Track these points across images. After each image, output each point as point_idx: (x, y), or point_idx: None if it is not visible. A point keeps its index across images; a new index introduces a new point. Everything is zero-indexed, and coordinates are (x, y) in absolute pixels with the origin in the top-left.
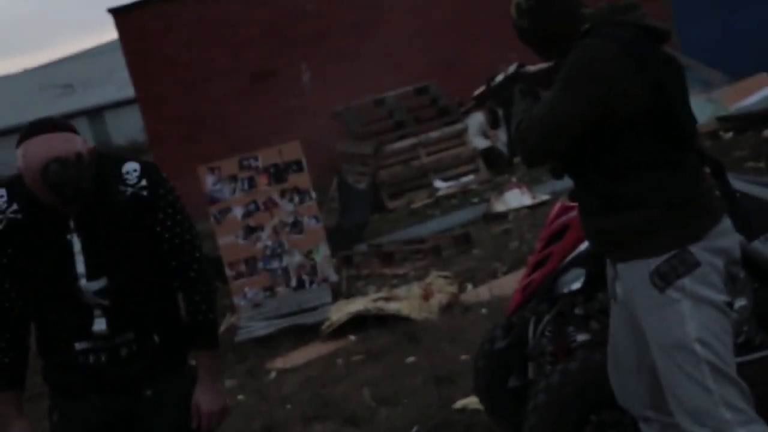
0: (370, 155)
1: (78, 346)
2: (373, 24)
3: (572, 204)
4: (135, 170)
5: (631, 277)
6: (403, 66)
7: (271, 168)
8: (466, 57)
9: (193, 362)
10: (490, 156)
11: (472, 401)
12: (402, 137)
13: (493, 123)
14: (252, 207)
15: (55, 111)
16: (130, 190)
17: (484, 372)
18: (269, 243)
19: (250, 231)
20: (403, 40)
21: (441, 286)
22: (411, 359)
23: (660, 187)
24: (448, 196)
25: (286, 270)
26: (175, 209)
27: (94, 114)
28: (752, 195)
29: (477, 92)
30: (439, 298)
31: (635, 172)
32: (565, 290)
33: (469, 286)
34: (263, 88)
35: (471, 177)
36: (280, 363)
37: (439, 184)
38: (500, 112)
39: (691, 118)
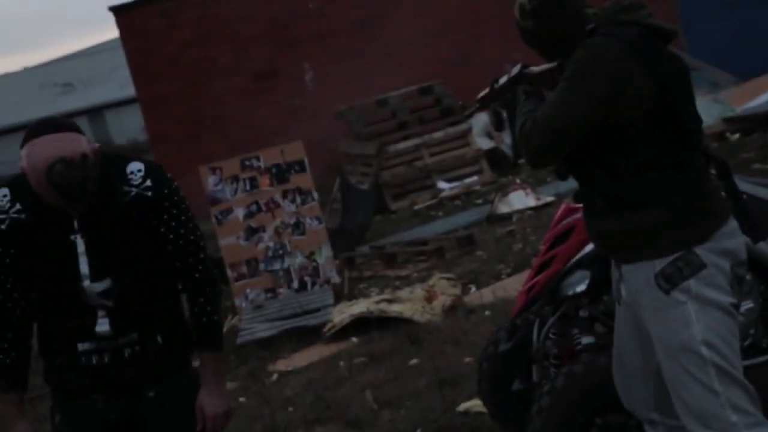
0: (373, 156)
1: (81, 346)
2: (377, 23)
3: (577, 205)
4: (139, 170)
5: (636, 279)
6: (406, 66)
7: (273, 168)
8: (471, 56)
9: (195, 364)
10: (494, 157)
11: (475, 404)
12: (405, 138)
13: (498, 125)
14: (254, 208)
15: (55, 110)
16: (134, 190)
17: (487, 375)
18: (271, 244)
19: (252, 232)
20: (407, 39)
21: (444, 287)
22: (414, 362)
23: (665, 187)
24: (452, 197)
25: (288, 271)
26: (180, 210)
27: (95, 113)
28: (758, 196)
29: (481, 94)
30: (442, 300)
31: (640, 173)
32: (570, 292)
33: (473, 288)
34: (265, 87)
35: (475, 178)
36: (282, 365)
37: (442, 185)
38: (504, 114)
39: (696, 118)
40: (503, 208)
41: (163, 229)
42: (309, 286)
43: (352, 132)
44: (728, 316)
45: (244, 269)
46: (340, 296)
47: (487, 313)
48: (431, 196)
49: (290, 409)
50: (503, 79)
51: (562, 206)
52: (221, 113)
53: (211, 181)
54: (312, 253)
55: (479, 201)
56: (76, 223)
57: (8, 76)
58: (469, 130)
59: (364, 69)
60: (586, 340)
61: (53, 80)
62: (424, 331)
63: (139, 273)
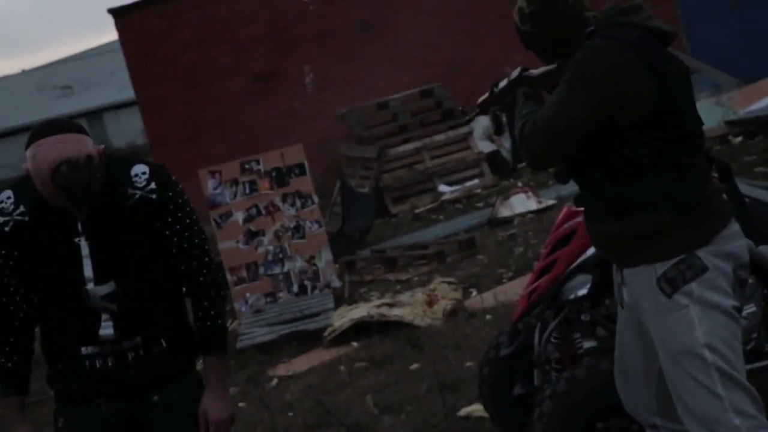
0: (374, 159)
1: (84, 350)
2: (377, 25)
3: (578, 209)
4: (144, 173)
5: (638, 283)
6: (407, 68)
7: (273, 171)
8: (472, 59)
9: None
10: (495, 160)
11: (476, 409)
12: (406, 141)
13: (497, 129)
14: (253, 211)
15: (53, 112)
16: (138, 192)
17: (489, 379)
18: (271, 248)
19: (252, 236)
20: (407, 41)
21: (445, 291)
22: (415, 366)
23: (667, 190)
24: (453, 201)
25: (287, 275)
26: (185, 213)
27: (93, 116)
28: (760, 199)
29: (481, 99)
30: (443, 304)
31: (642, 176)
32: (572, 296)
33: (474, 292)
34: (265, 90)
35: (476, 181)
36: (282, 370)
37: (443, 188)
38: (504, 118)
39: (697, 121)
40: (504, 212)
41: (167, 232)
42: (309, 290)
43: (352, 135)
44: (731, 320)
45: (243, 273)
46: (340, 300)
47: (488, 317)
48: (432, 199)
49: (290, 414)
50: (503, 83)
51: (564, 210)
52: (221, 116)
53: (210, 185)
54: (312, 257)
55: (480, 204)
56: (80, 226)
57: (6, 79)
58: (470, 134)
59: (365, 71)
60: (587, 344)
61: (52, 83)
62: (424, 335)
63: (143, 276)
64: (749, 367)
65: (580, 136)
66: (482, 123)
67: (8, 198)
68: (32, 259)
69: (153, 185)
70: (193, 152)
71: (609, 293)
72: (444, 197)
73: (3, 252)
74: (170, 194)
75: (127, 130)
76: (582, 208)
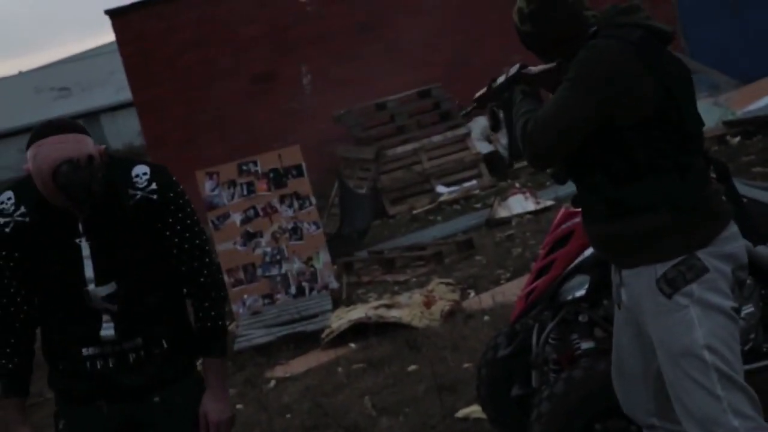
0: (372, 160)
1: (85, 351)
2: (376, 26)
3: (576, 210)
4: (145, 173)
5: (637, 284)
6: (405, 69)
7: (270, 173)
8: (470, 59)
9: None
10: (492, 161)
11: (474, 410)
12: (404, 142)
13: (494, 125)
14: (251, 213)
15: (50, 114)
16: (139, 193)
17: (486, 380)
18: (268, 249)
19: (249, 237)
20: (406, 42)
21: (443, 293)
22: (412, 367)
23: (667, 191)
24: (451, 202)
25: (285, 277)
26: (186, 213)
27: (90, 117)
28: (758, 200)
29: (478, 94)
30: (441, 306)
31: (642, 177)
32: (569, 297)
33: (472, 293)
34: (263, 91)
35: (474, 182)
36: (280, 372)
37: (441, 189)
38: (501, 114)
39: (698, 122)
40: (502, 213)
41: (168, 233)
42: (307, 291)
43: (350, 136)
44: (730, 321)
45: (241, 275)
46: (338, 302)
47: (486, 318)
48: (430, 200)
49: (288, 415)
50: (501, 79)
51: (562, 210)
52: (218, 117)
53: (207, 186)
54: (310, 259)
55: (478, 205)
56: (81, 227)
57: (4, 81)
58: (468, 134)
59: (363, 72)
60: (585, 345)
61: (49, 84)
62: (422, 336)
63: (144, 277)
64: (747, 367)
65: (581, 135)
66: (480, 124)
67: (9, 199)
68: (33, 260)
69: (154, 186)
70: (190, 153)
71: (607, 294)
72: (442, 198)
73: (4, 253)
74: (171, 195)
75: (125, 132)
76: (580, 209)
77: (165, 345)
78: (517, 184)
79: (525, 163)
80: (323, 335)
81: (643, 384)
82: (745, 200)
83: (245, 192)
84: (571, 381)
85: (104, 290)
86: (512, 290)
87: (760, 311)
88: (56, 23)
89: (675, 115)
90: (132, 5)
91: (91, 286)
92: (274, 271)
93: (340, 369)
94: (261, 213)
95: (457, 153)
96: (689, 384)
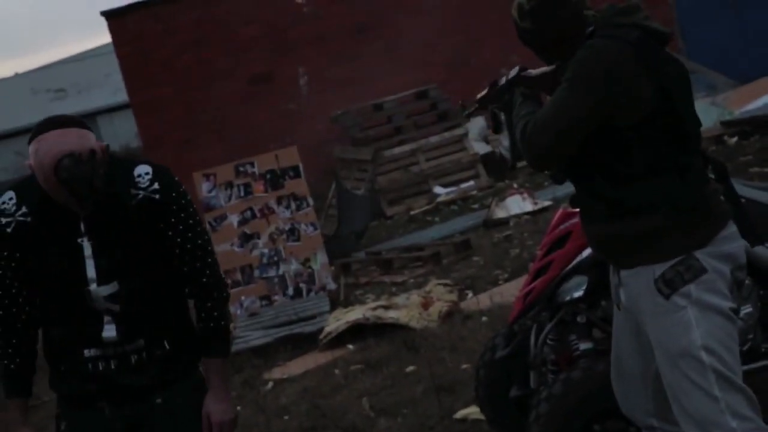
0: (369, 161)
1: (87, 353)
2: (373, 27)
3: (574, 210)
4: (147, 173)
5: (636, 284)
6: (403, 70)
7: (267, 174)
8: (468, 60)
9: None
10: (489, 162)
11: (473, 411)
12: (401, 142)
13: (496, 127)
14: (248, 214)
15: (47, 115)
16: (141, 193)
17: (485, 381)
18: (266, 251)
19: (246, 238)
20: (403, 43)
21: (441, 293)
22: (410, 368)
23: (667, 192)
24: (448, 203)
25: (283, 278)
26: (188, 213)
27: (87, 119)
28: (756, 200)
29: (481, 95)
30: (438, 306)
31: (641, 177)
32: (567, 298)
33: (470, 294)
34: (261, 92)
35: (471, 183)
36: (278, 373)
37: (438, 190)
38: (502, 116)
39: (696, 122)
40: (500, 213)
41: (170, 233)
42: (304, 292)
43: (347, 137)
44: (728, 321)
45: (238, 276)
46: (335, 303)
47: (484, 319)
48: (427, 201)
49: (286, 417)
50: (502, 81)
51: (559, 211)
52: (215, 118)
53: (204, 188)
54: (307, 260)
55: (476, 206)
56: (82, 226)
57: (0, 82)
58: (465, 135)
59: (360, 73)
60: (583, 345)
61: (46, 86)
62: (420, 337)
63: (146, 277)
64: (745, 368)
65: (581, 136)
66: (477, 124)
67: (10, 199)
68: (35, 260)
69: (156, 185)
70: (187, 155)
71: (605, 295)
72: (439, 199)
73: (5, 253)
74: (173, 195)
75: (122, 133)
76: (578, 210)
77: (167, 346)
78: (515, 185)
79: (526, 163)
80: (321, 336)
81: (642, 385)
82: (743, 200)
83: (242, 193)
84: (570, 382)
85: (106, 290)
86: (510, 291)
87: (759, 311)
88: (53, 24)
89: (673, 115)
90: (128, 6)
91: (93, 286)
92: (272, 273)
93: (337, 370)
94: (258, 214)
95: (455, 154)
96: (687, 385)
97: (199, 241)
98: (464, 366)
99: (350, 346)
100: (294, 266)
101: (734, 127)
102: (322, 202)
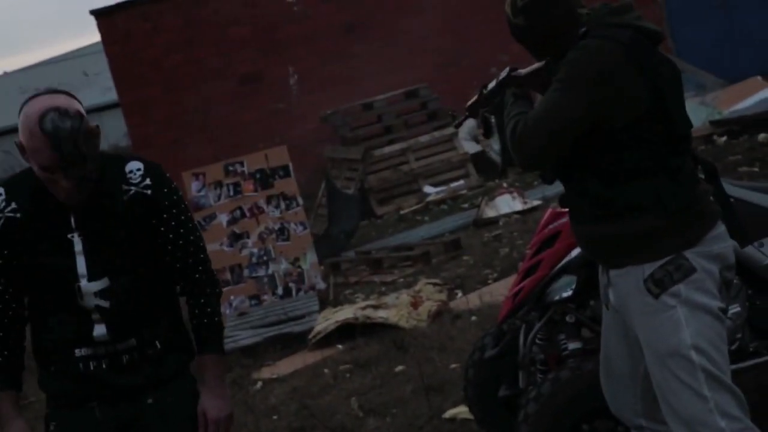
0: (359, 160)
1: (78, 352)
2: (363, 27)
3: (563, 210)
4: (138, 169)
5: (625, 284)
6: (393, 69)
7: (257, 174)
8: (458, 60)
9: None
10: (479, 161)
11: (462, 411)
12: (391, 142)
13: (486, 132)
14: (237, 213)
15: None
16: (133, 188)
17: (474, 381)
18: (255, 250)
19: (236, 238)
20: (393, 42)
21: (430, 293)
22: (400, 368)
23: (658, 192)
24: (438, 202)
25: (272, 278)
26: (180, 209)
27: None
28: (745, 200)
29: (470, 102)
30: (428, 306)
31: (632, 178)
32: (557, 298)
33: (459, 294)
34: (250, 91)
35: (461, 182)
36: (267, 373)
37: (428, 189)
38: (493, 120)
39: (687, 123)
40: (490, 213)
41: (162, 228)
42: (294, 292)
43: (337, 136)
44: (717, 321)
45: (227, 276)
46: (325, 302)
47: (473, 318)
48: (417, 200)
49: (275, 417)
50: (492, 84)
51: (549, 211)
52: (205, 117)
53: (194, 187)
54: (297, 259)
55: (466, 205)
56: (73, 221)
57: None
58: (455, 134)
59: (350, 72)
60: (572, 345)
61: (34, 85)
62: (410, 337)
63: (137, 273)
64: (734, 367)
65: (572, 136)
66: (467, 124)
67: (0, 195)
68: (25, 257)
69: (148, 181)
70: (177, 154)
71: (594, 294)
72: (429, 198)
73: None
74: (165, 191)
75: (111, 132)
76: (567, 209)
77: (158, 345)
78: (505, 184)
79: (517, 165)
80: (310, 336)
81: (631, 384)
82: (732, 200)
83: (232, 193)
84: (559, 381)
85: (97, 286)
86: (499, 290)
87: (747, 311)
88: (41, 24)
89: (665, 116)
90: (117, 5)
91: (83, 282)
92: (261, 272)
93: (326, 370)
94: (247, 214)
95: (445, 153)
96: (676, 384)
97: (192, 237)
98: (453, 365)
99: (339, 346)
100: (283, 266)
101: (723, 126)
102: (312, 201)
